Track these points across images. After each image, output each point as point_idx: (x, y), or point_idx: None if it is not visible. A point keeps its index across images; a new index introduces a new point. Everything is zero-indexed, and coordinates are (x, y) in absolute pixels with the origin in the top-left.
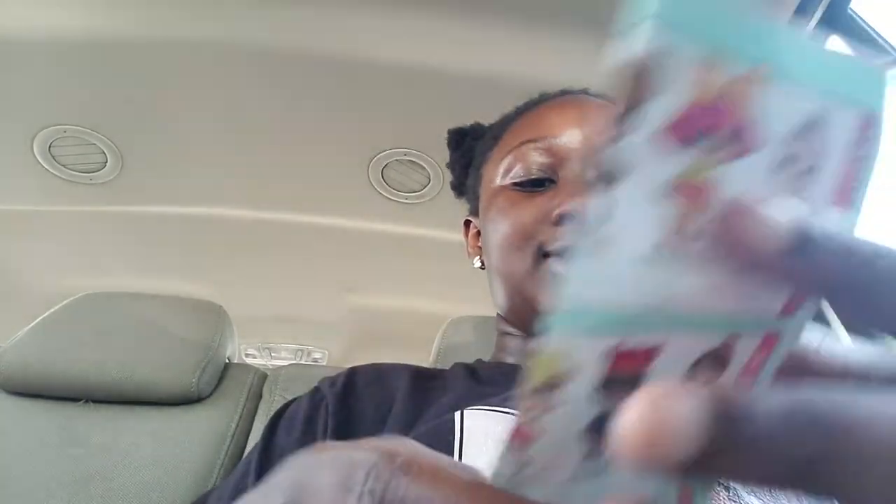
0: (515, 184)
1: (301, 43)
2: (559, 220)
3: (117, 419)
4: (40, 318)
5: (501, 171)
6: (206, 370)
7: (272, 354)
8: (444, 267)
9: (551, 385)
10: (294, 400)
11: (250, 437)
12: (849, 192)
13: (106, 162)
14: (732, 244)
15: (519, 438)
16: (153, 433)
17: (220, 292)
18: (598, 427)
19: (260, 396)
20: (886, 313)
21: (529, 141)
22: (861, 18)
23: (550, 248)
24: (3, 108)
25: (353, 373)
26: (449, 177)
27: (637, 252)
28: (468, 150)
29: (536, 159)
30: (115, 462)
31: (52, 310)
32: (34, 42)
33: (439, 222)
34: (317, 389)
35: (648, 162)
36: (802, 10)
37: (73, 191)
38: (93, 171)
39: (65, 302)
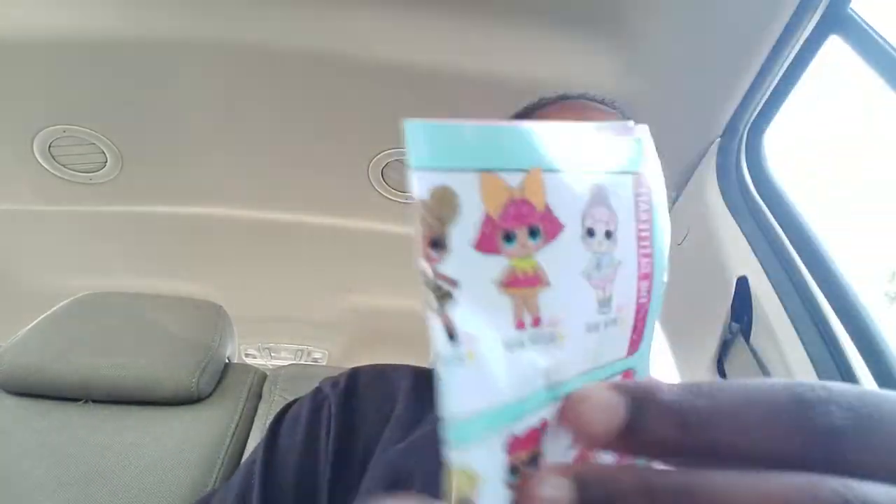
0: None
1: (301, 43)
2: None
3: (117, 419)
4: (40, 318)
5: None
6: (206, 370)
7: (272, 354)
8: None
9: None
10: (295, 401)
11: (250, 437)
12: (640, 330)
13: (106, 162)
14: (574, 432)
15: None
16: (153, 433)
17: (220, 292)
18: None
19: (260, 396)
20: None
21: None
22: (861, 18)
23: None
24: (2, 108)
25: (354, 373)
26: None
27: (496, 348)
28: None
29: None
30: (115, 462)
31: (52, 310)
32: (34, 42)
33: None
34: (318, 390)
35: (473, 271)
36: (802, 10)
37: (73, 191)
38: (92, 171)
39: (65, 302)
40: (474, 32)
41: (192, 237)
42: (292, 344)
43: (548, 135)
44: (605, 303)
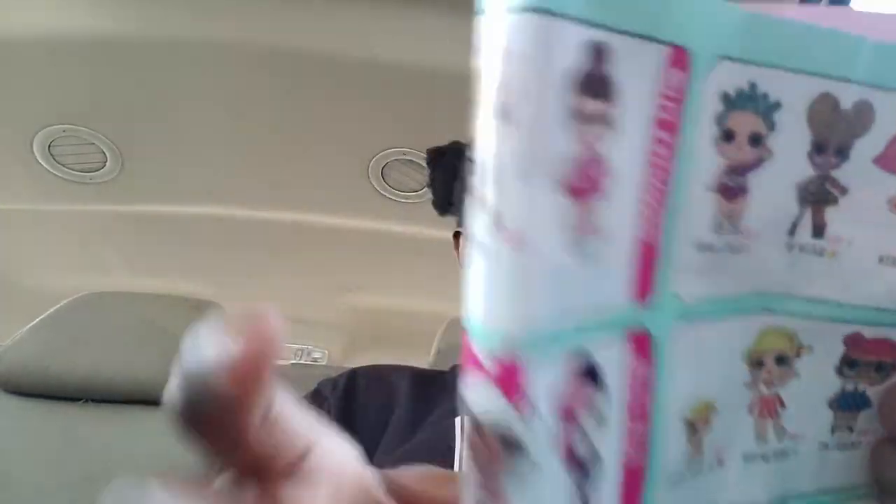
0: None
1: (301, 43)
2: None
3: (117, 419)
4: (40, 317)
5: None
6: None
7: None
8: (444, 266)
9: (785, 357)
10: None
11: None
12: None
13: (105, 161)
14: None
15: (766, 408)
16: (153, 433)
17: (220, 292)
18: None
19: None
20: None
21: None
22: None
23: None
24: (2, 108)
25: (353, 375)
26: None
27: (868, 257)
28: (449, 166)
29: None
30: (115, 462)
31: (51, 309)
32: (34, 42)
33: (439, 221)
34: (317, 392)
35: (868, 185)
36: None
37: (73, 190)
38: (92, 171)
39: (65, 302)
40: (474, 32)
41: (192, 237)
42: (292, 344)
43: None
44: None
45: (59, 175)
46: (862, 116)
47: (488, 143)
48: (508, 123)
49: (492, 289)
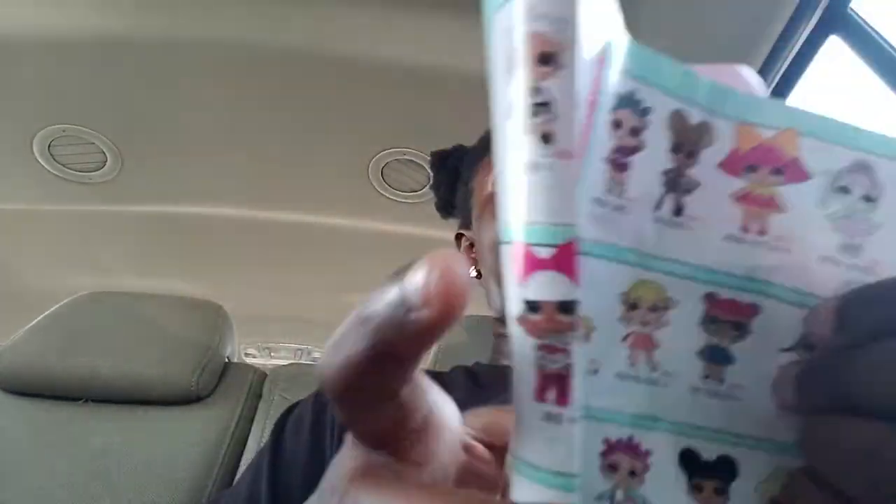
0: None
1: (301, 43)
2: None
3: (117, 419)
4: (40, 317)
5: (494, 177)
6: (205, 370)
7: (272, 354)
8: None
9: (657, 307)
10: (297, 404)
11: (250, 437)
12: None
13: (105, 161)
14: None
15: (639, 342)
16: (153, 433)
17: (220, 292)
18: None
19: (260, 396)
20: None
21: None
22: (861, 18)
23: None
24: (2, 108)
25: None
26: None
27: (714, 237)
28: (452, 169)
29: None
30: (114, 462)
31: (51, 309)
32: (34, 42)
33: (439, 221)
34: (321, 393)
35: (713, 183)
36: (802, 10)
37: (73, 190)
38: (92, 171)
39: (64, 301)
40: (474, 32)
41: (192, 237)
42: (292, 343)
43: (813, 111)
44: (851, 248)
45: (59, 175)
46: (704, 132)
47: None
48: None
49: (552, 193)
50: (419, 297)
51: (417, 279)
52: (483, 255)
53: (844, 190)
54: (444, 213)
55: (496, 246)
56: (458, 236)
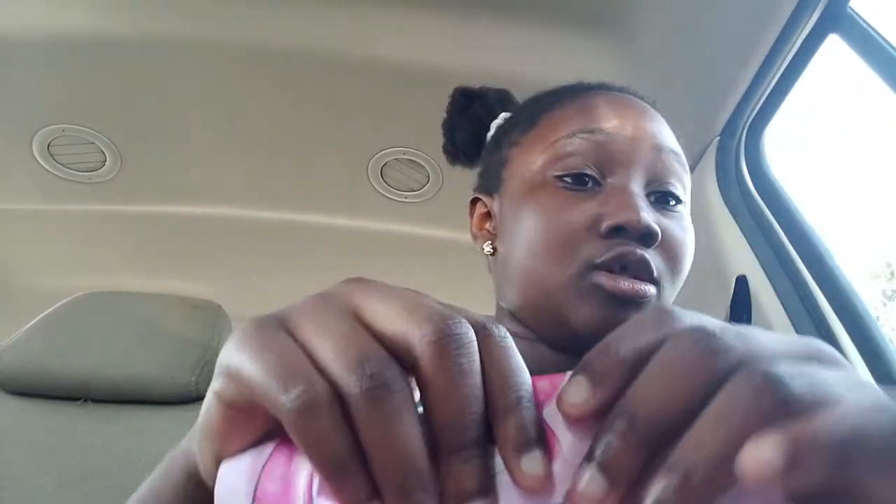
0: (560, 177)
1: (301, 43)
2: (608, 233)
3: (117, 419)
4: (39, 317)
5: (545, 160)
6: (205, 369)
7: None
8: (444, 265)
9: None
10: None
11: None
12: None
13: (105, 161)
14: None
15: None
16: (153, 433)
17: (219, 292)
18: None
19: None
20: None
21: (584, 132)
22: (861, 18)
23: (599, 260)
24: (2, 107)
25: None
26: (448, 176)
27: None
28: (474, 116)
29: (590, 153)
30: (114, 462)
31: (51, 309)
32: (34, 42)
33: (439, 221)
34: None
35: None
36: (802, 10)
37: (72, 190)
38: (92, 171)
39: (64, 301)
40: (474, 32)
41: (192, 237)
42: None
43: None
44: None
45: (58, 174)
46: None
47: None
48: None
49: None
50: None
51: None
52: (513, 242)
53: None
54: (451, 157)
55: (538, 246)
56: (474, 200)
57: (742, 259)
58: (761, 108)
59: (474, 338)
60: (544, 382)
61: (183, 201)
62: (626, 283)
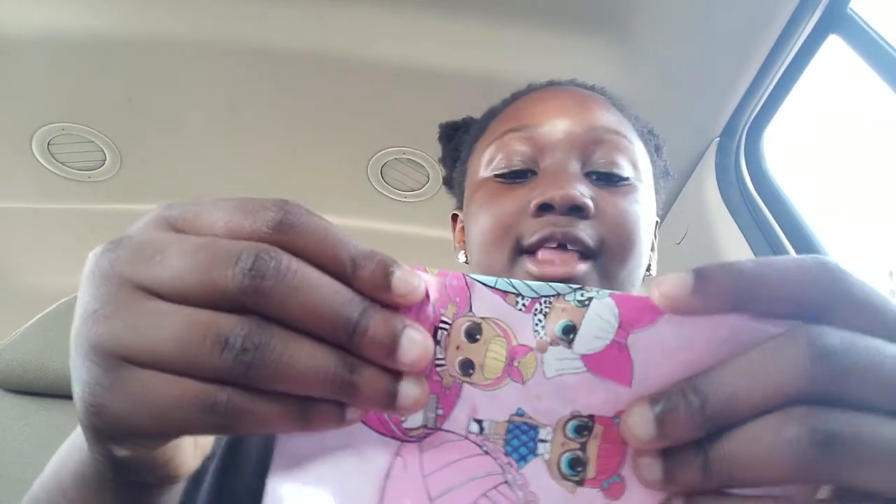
0: (497, 175)
1: (301, 42)
2: (537, 211)
3: None
4: (39, 315)
5: (484, 162)
6: None
7: None
8: (443, 265)
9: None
10: None
11: None
12: None
13: (104, 160)
14: None
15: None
16: None
17: None
18: None
19: None
20: None
21: (511, 130)
22: (861, 18)
23: (527, 242)
24: (1, 106)
25: None
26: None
27: None
28: (459, 144)
29: (518, 148)
30: None
31: (50, 307)
32: (34, 40)
33: (438, 221)
34: None
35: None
36: (802, 10)
37: (72, 189)
38: (91, 169)
39: (63, 300)
40: (474, 32)
41: None
42: None
43: None
44: None
45: (58, 173)
46: None
47: None
48: None
49: None
50: None
51: None
52: (470, 244)
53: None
54: (449, 188)
55: (480, 238)
56: (454, 217)
57: (741, 259)
58: (761, 108)
59: (283, 257)
60: (630, 308)
61: (182, 200)
62: (554, 269)
